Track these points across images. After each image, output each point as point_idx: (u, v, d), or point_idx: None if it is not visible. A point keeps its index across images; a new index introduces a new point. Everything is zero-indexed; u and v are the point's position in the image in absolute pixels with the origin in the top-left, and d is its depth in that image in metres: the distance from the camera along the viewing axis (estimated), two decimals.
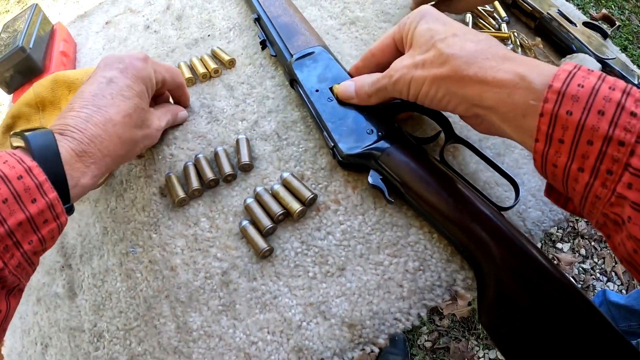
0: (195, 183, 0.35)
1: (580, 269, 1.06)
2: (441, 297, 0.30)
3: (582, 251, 1.09)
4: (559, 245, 1.10)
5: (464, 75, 0.25)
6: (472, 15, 0.43)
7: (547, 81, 0.21)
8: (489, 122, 0.26)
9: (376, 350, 0.29)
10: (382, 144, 0.31)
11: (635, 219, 0.18)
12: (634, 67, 0.38)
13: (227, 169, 0.36)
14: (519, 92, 0.22)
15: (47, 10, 0.58)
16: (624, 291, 1.03)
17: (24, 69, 0.49)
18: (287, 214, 0.33)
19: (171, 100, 0.41)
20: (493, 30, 0.42)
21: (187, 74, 0.44)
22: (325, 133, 0.33)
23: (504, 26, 0.42)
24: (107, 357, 0.33)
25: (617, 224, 0.20)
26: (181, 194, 0.35)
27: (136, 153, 0.34)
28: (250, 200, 0.34)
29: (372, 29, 0.44)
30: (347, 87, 0.33)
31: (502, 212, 0.28)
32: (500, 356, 0.94)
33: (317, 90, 0.35)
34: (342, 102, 0.34)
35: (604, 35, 0.40)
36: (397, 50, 0.31)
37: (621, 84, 0.20)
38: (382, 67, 0.31)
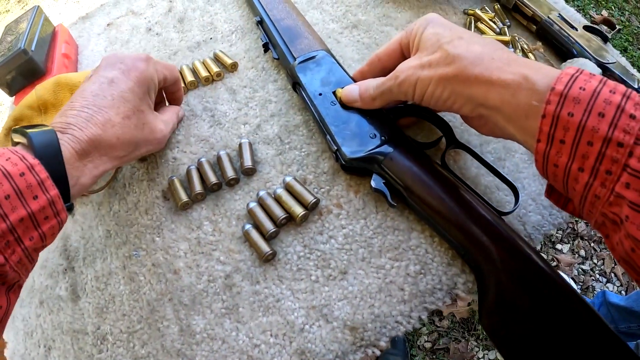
0: (198, 187, 0.36)
1: (580, 270, 1.07)
2: (442, 300, 0.30)
3: (582, 252, 1.09)
4: (559, 246, 1.10)
5: (469, 75, 0.25)
6: (474, 20, 0.44)
7: (550, 83, 0.21)
8: (493, 123, 0.27)
9: (378, 353, 0.30)
10: (386, 148, 0.31)
11: (632, 218, 0.19)
12: (634, 71, 0.38)
13: (230, 172, 0.36)
14: (522, 92, 0.23)
15: (47, 11, 0.58)
16: (623, 292, 1.03)
17: (26, 71, 0.49)
18: (290, 218, 0.34)
19: (166, 103, 0.41)
20: (494, 34, 0.42)
21: (190, 77, 0.44)
22: (328, 137, 0.33)
23: (505, 30, 0.43)
24: (111, 359, 0.33)
25: (615, 224, 0.20)
26: (184, 197, 0.35)
27: (137, 156, 0.34)
28: (253, 204, 0.34)
29: (374, 33, 0.44)
30: (351, 90, 0.33)
31: (502, 216, 0.28)
32: (499, 357, 0.94)
33: (320, 94, 0.35)
34: (345, 106, 0.34)
35: (605, 39, 0.40)
36: (403, 55, 0.32)
37: (621, 87, 0.20)
38: (387, 71, 0.31)
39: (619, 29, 1.47)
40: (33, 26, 0.51)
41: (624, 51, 1.44)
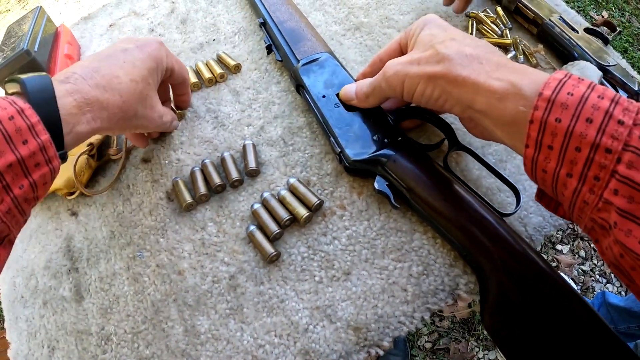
0: (202, 188, 0.36)
1: (580, 270, 1.07)
2: (444, 300, 0.30)
3: (582, 253, 1.09)
4: (559, 247, 1.11)
5: (456, 76, 0.25)
6: (475, 22, 0.44)
7: (538, 89, 0.21)
8: (482, 126, 0.27)
9: (381, 352, 0.30)
10: (389, 150, 0.31)
11: (621, 225, 0.19)
12: (635, 73, 0.38)
13: (234, 174, 0.36)
14: (509, 99, 0.23)
15: (47, 10, 0.58)
16: (623, 293, 1.03)
17: (29, 72, 0.49)
18: (294, 219, 0.34)
19: (172, 104, 0.41)
20: (496, 37, 0.42)
21: (193, 78, 0.44)
22: (332, 139, 0.34)
23: (506, 33, 0.43)
24: None
25: (604, 229, 0.20)
26: (188, 199, 0.36)
27: (131, 128, 0.33)
28: (257, 206, 0.34)
29: (376, 35, 0.45)
30: (349, 89, 0.34)
31: (503, 218, 0.29)
32: (500, 357, 0.95)
33: (323, 96, 0.35)
34: (349, 108, 0.34)
35: (605, 42, 0.40)
36: (402, 55, 0.32)
37: (610, 93, 0.20)
38: None
39: (620, 31, 1.47)
40: (36, 27, 0.51)
41: (624, 52, 1.44)
